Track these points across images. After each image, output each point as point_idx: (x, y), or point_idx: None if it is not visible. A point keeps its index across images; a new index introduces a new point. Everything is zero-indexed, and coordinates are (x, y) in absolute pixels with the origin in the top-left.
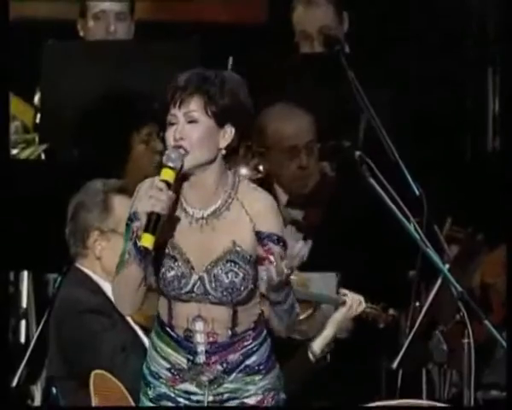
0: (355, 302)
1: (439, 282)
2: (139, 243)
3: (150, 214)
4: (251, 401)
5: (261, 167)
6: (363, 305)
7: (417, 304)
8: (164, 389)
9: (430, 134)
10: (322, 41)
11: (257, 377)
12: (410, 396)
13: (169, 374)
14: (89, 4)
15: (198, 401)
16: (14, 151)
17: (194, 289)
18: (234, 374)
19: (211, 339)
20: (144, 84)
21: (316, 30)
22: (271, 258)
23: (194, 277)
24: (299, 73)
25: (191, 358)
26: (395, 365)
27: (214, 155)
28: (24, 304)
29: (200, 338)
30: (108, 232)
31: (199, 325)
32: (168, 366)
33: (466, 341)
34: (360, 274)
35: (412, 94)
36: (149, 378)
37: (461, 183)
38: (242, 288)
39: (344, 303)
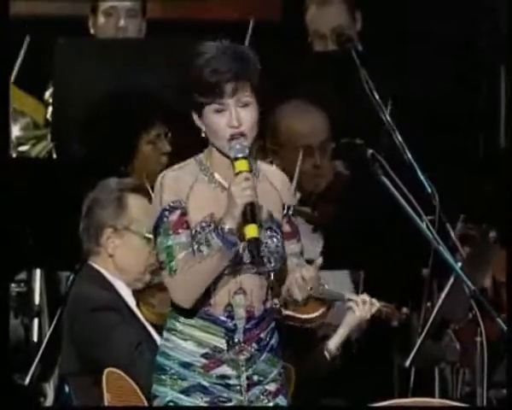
0: (367, 305)
1: (451, 280)
2: (247, 236)
3: (247, 205)
4: (271, 387)
5: (274, 166)
6: (377, 305)
7: (429, 303)
8: (198, 379)
9: (442, 132)
10: (335, 40)
11: (276, 360)
12: (422, 395)
13: (204, 360)
14: (100, 0)
15: (233, 386)
16: (25, 148)
17: (244, 258)
18: (265, 353)
19: (248, 315)
20: (155, 84)
21: (329, 29)
22: (294, 231)
23: (242, 245)
24: (313, 72)
25: (230, 337)
26: (408, 363)
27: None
28: (37, 302)
29: (240, 313)
30: (122, 230)
31: (239, 298)
32: (203, 351)
33: (478, 339)
34: (372, 273)
35: (425, 92)
36: (178, 370)
37: (473, 180)
38: (280, 254)
39: (356, 305)
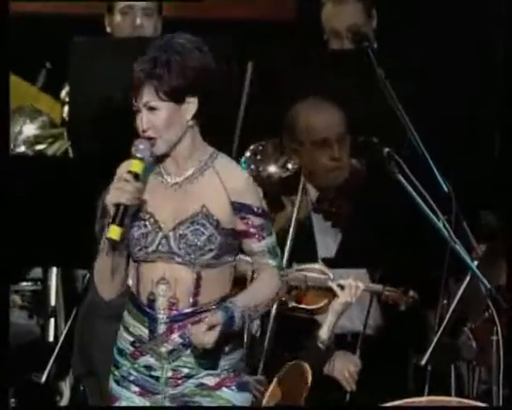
0: (351, 289)
1: (467, 279)
2: (107, 235)
3: (117, 206)
4: (209, 381)
5: (290, 165)
6: (361, 288)
7: (446, 301)
8: (127, 368)
9: (459, 130)
10: (351, 38)
11: (214, 356)
12: (438, 394)
13: (132, 348)
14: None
15: (157, 378)
16: (42, 146)
17: (159, 248)
18: (193, 347)
19: (172, 306)
20: None
21: (345, 27)
22: (252, 230)
23: (160, 235)
24: (329, 71)
25: (152, 327)
26: (424, 361)
27: (183, 130)
28: (53, 300)
29: (162, 303)
30: None
31: (162, 289)
32: (132, 339)
33: (495, 338)
34: (389, 271)
35: (441, 90)
36: (117, 357)
37: (489, 179)
38: (206, 248)
39: (342, 291)
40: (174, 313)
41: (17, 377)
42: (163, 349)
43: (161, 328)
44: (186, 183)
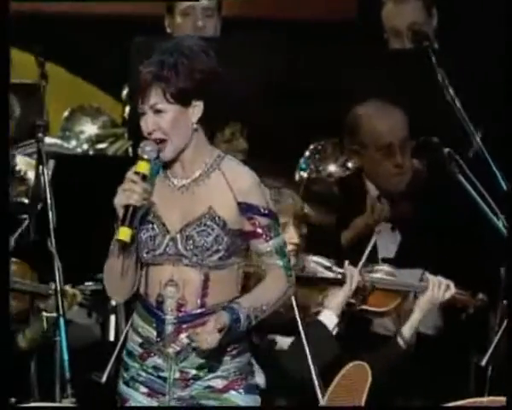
0: (441, 286)
1: None
2: (116, 237)
3: (126, 207)
4: (216, 383)
5: (350, 164)
6: (452, 290)
7: (506, 301)
8: (136, 369)
9: None
10: (412, 37)
11: (224, 358)
12: (499, 394)
13: (140, 349)
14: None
15: (164, 379)
16: (103, 145)
17: (167, 250)
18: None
19: (180, 307)
20: (230, 83)
21: (405, 26)
22: (259, 230)
23: (168, 237)
24: (389, 70)
25: (160, 328)
26: (484, 362)
27: (190, 134)
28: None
29: (170, 305)
30: None
31: (170, 290)
32: (140, 340)
33: None
34: (449, 271)
35: (501, 89)
36: (125, 358)
37: None
38: (213, 249)
39: (429, 287)
40: (182, 314)
41: (78, 376)
42: (170, 350)
43: (169, 329)
44: (193, 185)
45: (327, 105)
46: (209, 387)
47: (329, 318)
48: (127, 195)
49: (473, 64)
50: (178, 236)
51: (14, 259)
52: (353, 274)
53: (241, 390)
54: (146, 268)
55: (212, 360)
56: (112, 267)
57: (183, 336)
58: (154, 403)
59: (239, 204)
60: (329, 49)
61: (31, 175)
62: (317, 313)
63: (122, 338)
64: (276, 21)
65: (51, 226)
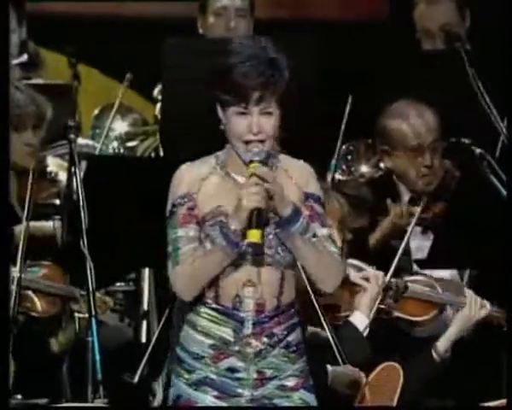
0: (477, 306)
1: None
2: (248, 240)
3: (254, 210)
4: (289, 382)
5: (382, 165)
6: (488, 309)
7: None
8: (205, 373)
9: None
10: (444, 38)
11: (295, 357)
12: None
13: (212, 351)
14: (209, 0)
15: (242, 379)
16: (134, 143)
17: (248, 249)
18: (277, 348)
19: (259, 308)
20: None
21: (437, 27)
22: (316, 216)
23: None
24: (421, 71)
25: (238, 329)
26: None
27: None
28: (145, 302)
29: (248, 305)
30: None
31: (248, 291)
32: (211, 342)
33: None
34: (481, 272)
35: None
36: (189, 361)
37: None
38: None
39: (465, 305)
40: (261, 314)
41: (110, 377)
42: (250, 350)
43: (248, 329)
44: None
45: (359, 106)
46: (282, 386)
47: (359, 319)
48: (255, 198)
49: (504, 64)
50: None
51: (46, 262)
52: (377, 276)
53: (309, 388)
54: None
55: (287, 359)
56: (207, 268)
57: (262, 336)
58: (223, 405)
59: (303, 194)
60: (361, 50)
61: (62, 176)
62: (348, 315)
63: (154, 339)
64: (307, 22)
65: (83, 227)
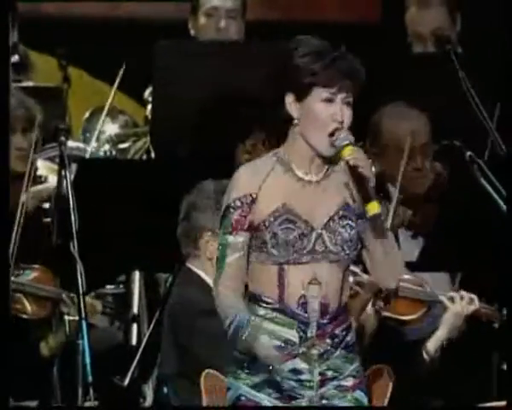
0: (465, 301)
1: None
2: (369, 213)
3: (367, 180)
4: (347, 382)
5: (373, 169)
6: (476, 304)
7: None
8: (268, 374)
9: None
10: (435, 41)
11: (352, 357)
12: None
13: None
14: (200, 1)
15: (306, 381)
16: (125, 145)
17: (316, 247)
18: (339, 349)
19: (323, 308)
20: (253, 87)
21: (429, 30)
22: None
23: (315, 234)
24: (412, 74)
25: (303, 330)
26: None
27: None
28: (135, 305)
29: (314, 306)
30: None
31: (314, 289)
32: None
33: None
34: (471, 275)
35: None
36: (250, 363)
37: None
38: (355, 242)
39: (452, 303)
40: (325, 315)
41: (100, 380)
42: (315, 352)
43: (314, 330)
44: (323, 180)
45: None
46: (340, 386)
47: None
48: (367, 170)
49: (496, 67)
50: (324, 232)
51: (36, 265)
52: (372, 282)
53: (363, 389)
54: (279, 269)
55: (346, 359)
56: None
57: (327, 336)
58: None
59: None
60: (353, 52)
61: (51, 180)
62: None
63: (144, 342)
64: (299, 24)
65: (74, 230)
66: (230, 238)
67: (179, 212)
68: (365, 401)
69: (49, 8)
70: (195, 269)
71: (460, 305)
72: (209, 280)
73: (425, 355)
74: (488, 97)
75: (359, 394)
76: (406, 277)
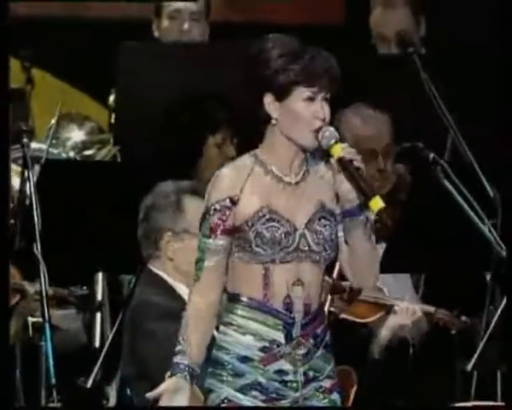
0: (408, 311)
1: None
2: (374, 209)
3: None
4: (326, 383)
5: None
6: (418, 314)
7: (492, 306)
8: (254, 376)
9: (505, 134)
10: (397, 43)
11: (330, 357)
12: (484, 399)
13: (262, 354)
14: (164, 3)
15: (290, 382)
16: (90, 152)
17: (300, 246)
18: (321, 349)
19: (306, 308)
20: (219, 87)
21: (393, 32)
22: None
23: (298, 233)
24: (376, 75)
25: (289, 331)
26: (470, 367)
27: None
28: (98, 305)
29: (299, 306)
30: (181, 233)
31: (297, 290)
32: (261, 345)
33: None
34: (434, 276)
35: (486, 94)
36: (235, 365)
37: None
38: (335, 242)
39: (395, 313)
40: (308, 315)
41: (63, 381)
42: (300, 352)
43: (298, 330)
44: (301, 181)
45: None
46: (320, 387)
47: None
48: (359, 164)
49: (461, 69)
50: (307, 232)
51: None
52: (328, 281)
53: (339, 391)
54: (263, 269)
55: (325, 359)
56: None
57: (309, 337)
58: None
59: (336, 194)
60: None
61: (14, 182)
62: None
63: (107, 344)
64: (263, 26)
65: (37, 231)
66: (209, 242)
67: (139, 214)
68: (339, 403)
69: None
70: (156, 270)
71: (404, 316)
72: (171, 281)
73: (370, 359)
74: (450, 99)
75: (336, 396)
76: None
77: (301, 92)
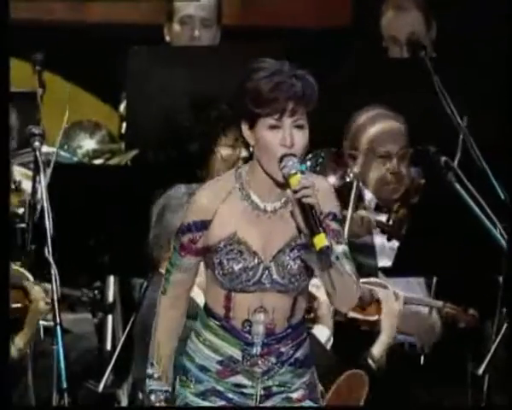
0: (390, 298)
1: None
2: (318, 246)
3: (312, 210)
4: (296, 394)
5: (347, 178)
6: (401, 295)
7: (504, 309)
8: (212, 384)
9: None
10: (409, 46)
11: (302, 371)
12: (495, 403)
13: (219, 367)
14: (176, 8)
15: (249, 395)
16: (100, 161)
17: (262, 280)
18: (285, 366)
19: (268, 331)
20: (230, 89)
21: (404, 35)
22: (331, 233)
23: (262, 267)
24: (388, 78)
25: (246, 349)
26: (481, 370)
27: None
28: (110, 309)
29: (258, 329)
30: None
31: (259, 316)
32: (219, 358)
33: None
34: (446, 279)
35: (497, 97)
36: (196, 372)
37: None
38: (308, 273)
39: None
40: (271, 336)
41: (75, 385)
42: (258, 370)
43: (257, 350)
44: (281, 208)
45: (325, 114)
46: (288, 398)
47: (321, 332)
48: (311, 199)
49: (472, 74)
50: (273, 265)
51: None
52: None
53: (315, 399)
54: (227, 293)
55: (293, 375)
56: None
57: (271, 356)
58: None
59: (321, 213)
60: (328, 56)
61: (26, 186)
62: (310, 327)
63: (119, 347)
64: (272, 30)
65: (48, 235)
66: (177, 259)
67: (151, 217)
68: None
69: (22, 12)
70: None
71: (390, 303)
72: None
73: (370, 361)
74: (462, 102)
75: (309, 403)
76: (372, 279)
77: (265, 120)
